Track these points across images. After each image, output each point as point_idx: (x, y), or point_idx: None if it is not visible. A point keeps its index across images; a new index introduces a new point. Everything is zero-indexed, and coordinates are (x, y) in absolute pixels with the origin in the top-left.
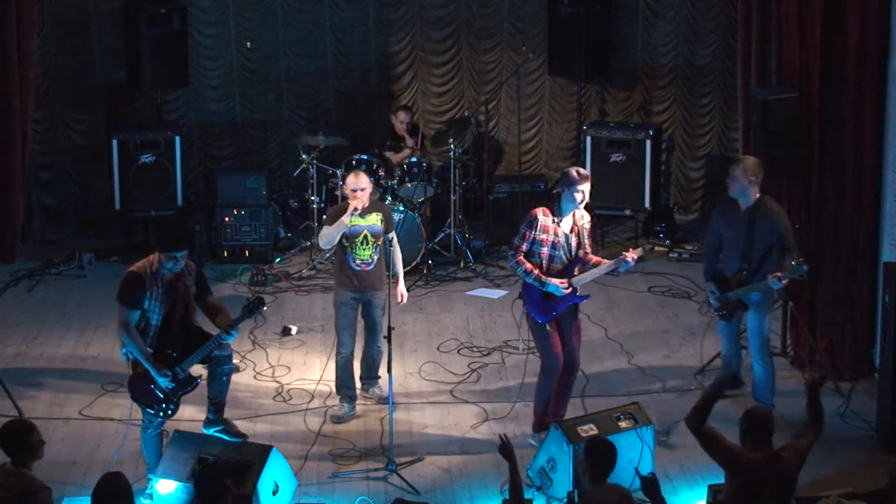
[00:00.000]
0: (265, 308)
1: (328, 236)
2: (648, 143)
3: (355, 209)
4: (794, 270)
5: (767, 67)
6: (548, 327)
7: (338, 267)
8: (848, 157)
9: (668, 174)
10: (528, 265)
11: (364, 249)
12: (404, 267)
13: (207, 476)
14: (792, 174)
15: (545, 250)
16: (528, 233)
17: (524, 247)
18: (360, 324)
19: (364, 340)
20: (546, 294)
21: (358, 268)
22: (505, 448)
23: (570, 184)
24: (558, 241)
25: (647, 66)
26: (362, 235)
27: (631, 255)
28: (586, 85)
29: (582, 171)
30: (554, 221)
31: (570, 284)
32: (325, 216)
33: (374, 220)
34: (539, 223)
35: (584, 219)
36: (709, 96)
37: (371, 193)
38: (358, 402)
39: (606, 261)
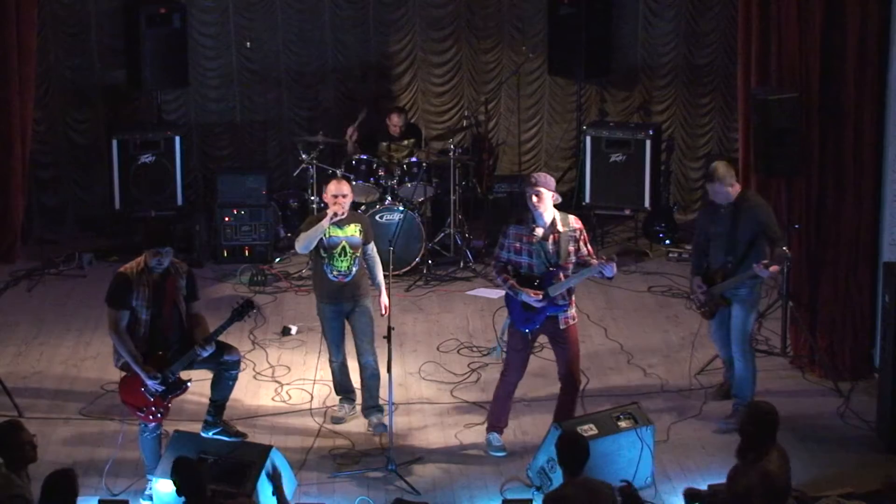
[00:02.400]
0: (255, 311)
1: (305, 240)
2: (648, 142)
3: (335, 214)
4: (779, 257)
5: (767, 67)
6: (528, 337)
7: (316, 279)
8: (848, 157)
9: (668, 174)
10: (505, 274)
11: (342, 261)
12: (404, 267)
13: (183, 471)
14: (792, 174)
15: (520, 259)
16: (503, 241)
17: (502, 256)
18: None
19: (357, 359)
20: (525, 304)
21: (335, 279)
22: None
23: (526, 185)
24: (533, 250)
25: (647, 66)
26: (340, 246)
27: (611, 263)
28: (586, 85)
29: (542, 177)
30: (527, 230)
31: (547, 294)
32: (303, 224)
33: (353, 231)
34: (511, 232)
35: (571, 226)
36: (709, 96)
37: (353, 203)
38: (357, 402)
39: (594, 262)
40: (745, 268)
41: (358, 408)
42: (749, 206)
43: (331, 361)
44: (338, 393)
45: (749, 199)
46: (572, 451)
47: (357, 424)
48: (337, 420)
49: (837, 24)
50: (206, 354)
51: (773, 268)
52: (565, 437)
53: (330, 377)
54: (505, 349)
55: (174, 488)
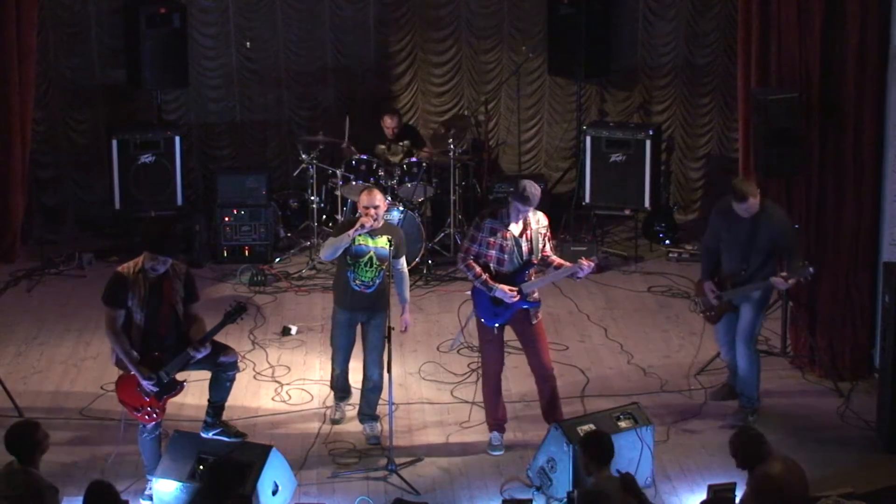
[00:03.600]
0: (245, 314)
1: (330, 248)
2: (648, 143)
3: (362, 226)
4: (800, 271)
5: (767, 67)
6: (494, 332)
7: (337, 283)
8: (848, 157)
9: (668, 174)
10: (477, 269)
11: (367, 271)
12: None
13: (212, 473)
14: (792, 174)
15: (492, 253)
16: (476, 234)
17: (473, 249)
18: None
19: (363, 368)
20: (494, 299)
21: (357, 288)
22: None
23: (518, 200)
24: (507, 245)
25: (647, 66)
26: (367, 256)
27: (587, 263)
28: (586, 85)
29: (534, 195)
30: (501, 225)
31: (520, 290)
32: (336, 227)
33: (383, 242)
34: (487, 226)
35: (541, 223)
36: (709, 96)
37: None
38: (352, 400)
39: (567, 263)
40: (759, 277)
41: (354, 405)
42: (769, 216)
43: (333, 368)
44: (334, 392)
45: (769, 210)
46: (600, 447)
47: (357, 424)
48: (335, 421)
49: (837, 24)
50: (199, 356)
51: (791, 281)
52: (591, 436)
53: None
54: (464, 340)
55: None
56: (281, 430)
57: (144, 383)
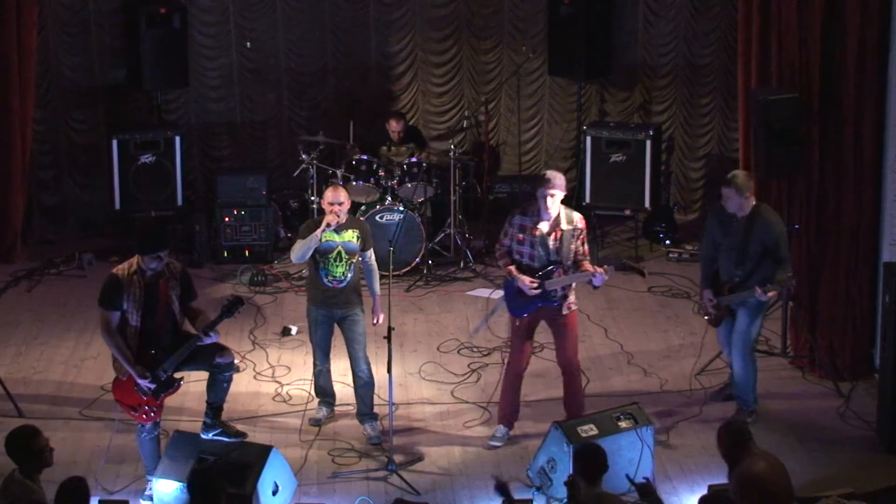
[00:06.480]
0: (243, 306)
1: (300, 251)
2: (648, 143)
3: (328, 224)
4: (784, 283)
5: (767, 67)
6: (517, 323)
7: (310, 282)
8: (848, 157)
9: (668, 174)
10: (506, 259)
11: (337, 266)
12: (404, 267)
13: (201, 477)
14: (792, 174)
15: (522, 248)
16: (507, 229)
17: (505, 242)
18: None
19: (350, 368)
20: (520, 291)
21: (329, 284)
22: (501, 487)
23: (541, 185)
24: (535, 241)
25: (647, 66)
26: (336, 252)
27: (601, 270)
28: (586, 85)
29: (558, 178)
30: (530, 222)
31: (540, 285)
32: (300, 229)
33: (350, 236)
34: (516, 222)
35: (574, 223)
36: (709, 96)
37: (350, 209)
38: (336, 406)
39: (590, 268)
40: (752, 282)
41: (336, 411)
42: (763, 220)
43: (314, 365)
44: (317, 395)
45: (763, 214)
46: (590, 462)
47: (357, 424)
48: (315, 422)
49: (837, 24)
50: (209, 341)
51: (771, 293)
52: (584, 450)
53: (337, 379)
54: (487, 326)
55: (187, 494)
56: (281, 430)
57: (141, 382)
